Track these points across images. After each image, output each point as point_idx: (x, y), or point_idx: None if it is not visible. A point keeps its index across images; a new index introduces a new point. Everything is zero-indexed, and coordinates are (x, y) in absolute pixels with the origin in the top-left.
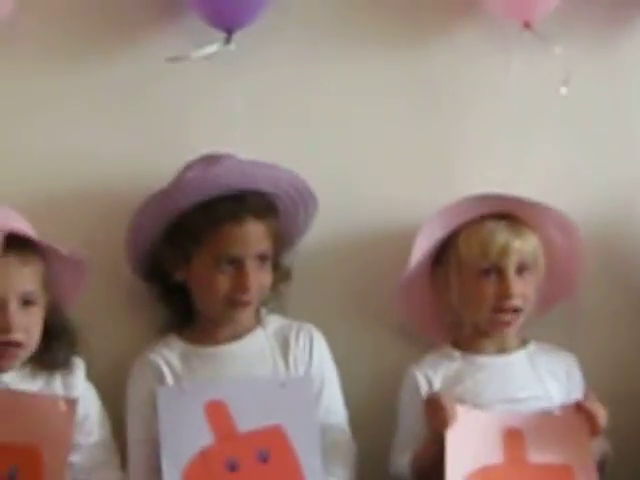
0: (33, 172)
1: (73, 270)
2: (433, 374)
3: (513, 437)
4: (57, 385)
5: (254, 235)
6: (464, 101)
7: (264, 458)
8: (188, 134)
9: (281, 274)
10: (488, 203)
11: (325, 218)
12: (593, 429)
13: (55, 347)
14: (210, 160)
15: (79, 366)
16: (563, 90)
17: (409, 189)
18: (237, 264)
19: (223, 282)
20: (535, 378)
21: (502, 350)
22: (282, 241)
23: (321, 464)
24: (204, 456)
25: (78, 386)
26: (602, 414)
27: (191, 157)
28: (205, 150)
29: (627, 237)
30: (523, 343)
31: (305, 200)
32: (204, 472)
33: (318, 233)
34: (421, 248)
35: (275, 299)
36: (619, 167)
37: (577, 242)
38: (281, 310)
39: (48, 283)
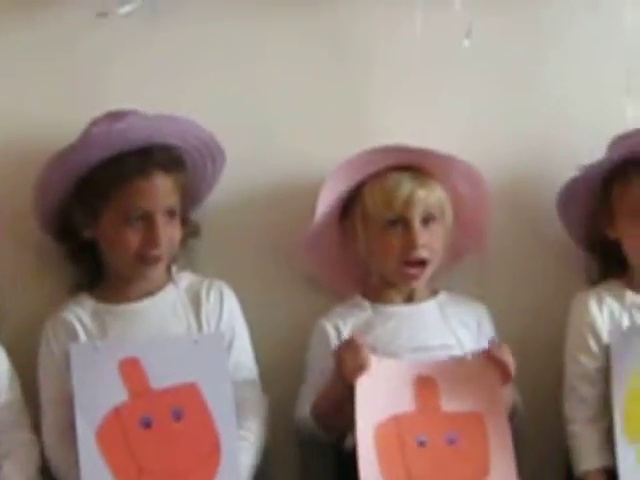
0: None
1: None
2: (342, 324)
3: (425, 385)
4: None
5: (162, 189)
6: (372, 53)
7: (178, 416)
8: (106, 90)
9: (190, 230)
10: (392, 155)
11: (235, 171)
12: (503, 376)
13: None
14: (115, 116)
15: None
16: (466, 42)
17: (319, 141)
18: (146, 219)
19: (133, 238)
20: (446, 327)
21: (411, 300)
22: (190, 196)
23: (235, 420)
24: (118, 413)
25: None
26: (511, 361)
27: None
28: (125, 105)
29: (535, 188)
30: (433, 293)
31: (212, 153)
32: (118, 429)
33: (228, 187)
34: (325, 201)
35: (185, 255)
36: (525, 119)
37: (484, 193)
38: (191, 266)
39: None
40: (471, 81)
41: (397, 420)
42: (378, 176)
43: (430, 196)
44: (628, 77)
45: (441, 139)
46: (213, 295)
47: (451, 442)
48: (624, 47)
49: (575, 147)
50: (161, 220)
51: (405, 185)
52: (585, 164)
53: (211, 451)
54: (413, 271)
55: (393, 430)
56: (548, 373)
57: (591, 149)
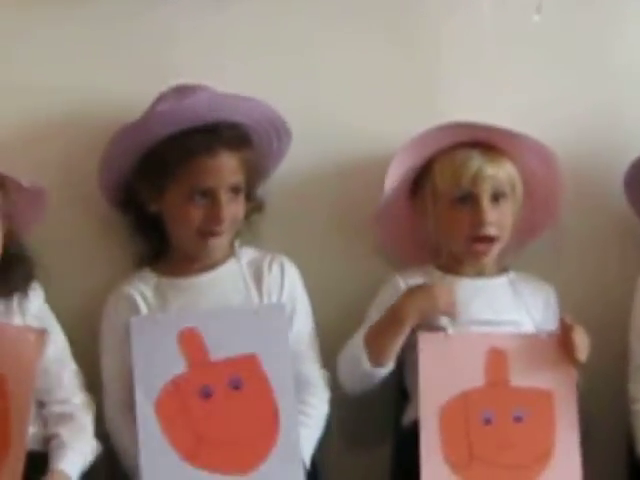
0: (10, 104)
1: (33, 201)
2: (415, 283)
3: (496, 358)
4: (14, 308)
5: (227, 167)
6: (438, 29)
7: (236, 385)
8: (170, 65)
9: (255, 205)
10: (461, 131)
11: (298, 149)
12: (574, 357)
13: (12, 274)
14: (183, 91)
15: (35, 291)
16: (536, 17)
17: (385, 118)
18: (210, 196)
19: (196, 214)
20: (517, 303)
21: (481, 274)
22: (256, 173)
23: (293, 391)
24: (177, 384)
25: (31, 309)
26: (585, 346)
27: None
28: (185, 80)
29: (602, 165)
30: (503, 270)
31: (278, 131)
32: (177, 400)
33: (291, 164)
34: (394, 176)
35: (248, 230)
36: (595, 93)
37: (556, 170)
38: (256, 242)
39: (6, 213)
40: (540, 57)
41: (465, 396)
42: (447, 153)
43: (499, 172)
44: None
45: (511, 116)
46: (275, 269)
47: (517, 419)
48: None
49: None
50: (225, 197)
51: (474, 161)
52: None
53: (270, 422)
54: (481, 247)
55: (460, 407)
56: (613, 352)
57: None
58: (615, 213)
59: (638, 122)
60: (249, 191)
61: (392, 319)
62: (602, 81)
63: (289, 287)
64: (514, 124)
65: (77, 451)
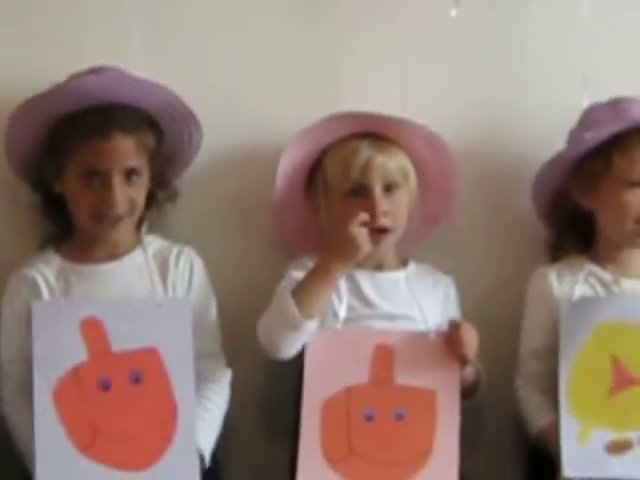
0: None
1: None
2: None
3: (383, 354)
4: None
5: (121, 149)
6: (346, 16)
7: (137, 379)
8: (79, 45)
9: (169, 192)
10: (351, 122)
11: (207, 136)
12: (462, 356)
13: None
14: (96, 71)
15: None
16: (453, 12)
17: (291, 107)
18: (103, 178)
19: (89, 196)
20: (412, 298)
21: (379, 268)
22: (163, 159)
23: (193, 387)
24: (76, 373)
25: None
26: (472, 341)
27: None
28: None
29: (502, 160)
30: (403, 264)
31: (185, 118)
32: (75, 389)
33: (204, 152)
34: (284, 169)
35: (159, 219)
36: (500, 91)
37: (449, 159)
38: (163, 230)
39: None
40: (451, 48)
41: (348, 392)
42: (338, 144)
43: (390, 162)
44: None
45: (415, 108)
46: (182, 263)
47: (399, 418)
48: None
49: (542, 123)
50: (118, 180)
51: (363, 151)
52: (573, 139)
53: (168, 417)
54: (375, 237)
55: (342, 403)
56: (509, 346)
57: (553, 126)
58: (514, 208)
59: (537, 122)
60: (160, 179)
61: (319, 270)
62: (509, 78)
63: (197, 284)
64: (415, 116)
65: None
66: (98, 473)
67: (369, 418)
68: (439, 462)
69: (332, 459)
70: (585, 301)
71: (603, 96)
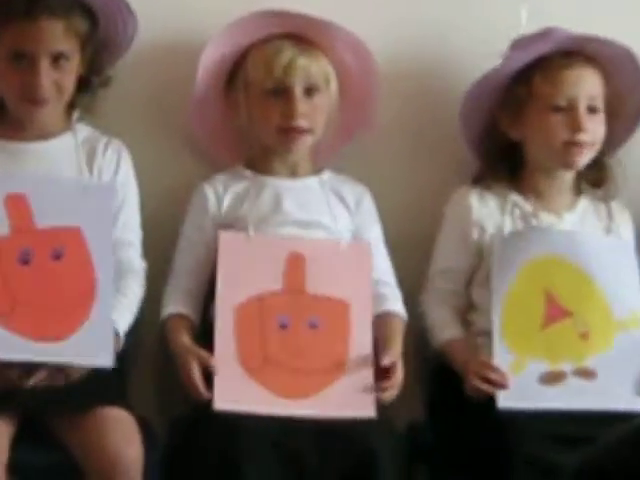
0: None
1: None
2: (223, 191)
3: (295, 263)
4: None
5: (48, 32)
6: None
7: (58, 255)
8: None
9: (101, 79)
10: (278, 21)
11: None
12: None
13: None
14: None
15: None
16: None
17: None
18: (29, 61)
19: (15, 78)
20: (325, 205)
21: (294, 174)
22: (102, 46)
23: (112, 267)
24: None
25: None
26: (398, 378)
27: None
28: None
29: (431, 77)
30: (318, 171)
31: (119, 6)
32: None
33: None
34: (205, 67)
35: (91, 104)
36: (429, 4)
37: (371, 67)
38: (91, 114)
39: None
40: None
41: (261, 300)
42: (261, 44)
43: (312, 65)
44: None
45: (342, 18)
46: (110, 152)
47: (312, 326)
48: None
49: (472, 42)
50: (45, 64)
51: (286, 52)
52: (499, 63)
53: (87, 293)
54: (292, 135)
55: (255, 310)
56: (421, 263)
57: (487, 40)
58: (437, 126)
59: (467, 39)
60: (95, 65)
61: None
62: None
63: (123, 174)
64: (346, 25)
65: None
66: (13, 342)
67: (283, 326)
68: (354, 373)
69: (248, 367)
70: (516, 235)
71: (543, 16)
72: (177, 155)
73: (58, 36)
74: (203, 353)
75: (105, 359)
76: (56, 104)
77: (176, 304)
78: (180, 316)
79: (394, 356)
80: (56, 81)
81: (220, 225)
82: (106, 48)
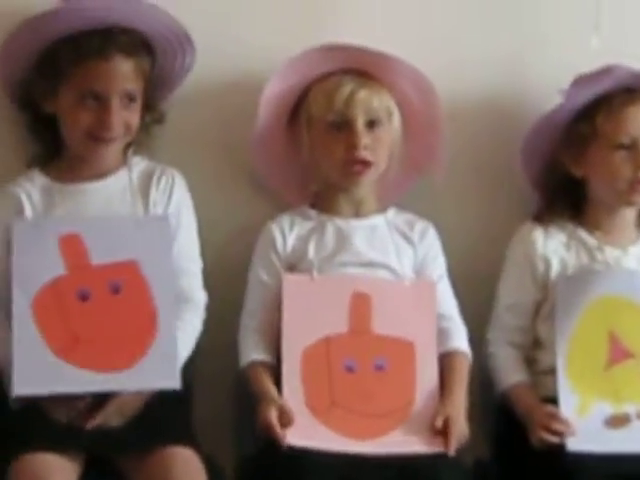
0: None
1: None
2: (289, 231)
3: (360, 302)
4: None
5: (121, 72)
6: None
7: (116, 289)
8: None
9: (156, 115)
10: (339, 55)
11: (197, 59)
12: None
13: None
14: None
15: None
16: None
17: (284, 37)
18: (101, 100)
19: (86, 117)
20: (390, 244)
21: (359, 213)
22: (156, 83)
23: (173, 301)
24: (55, 285)
25: None
26: (455, 433)
27: None
28: None
29: (496, 114)
30: (382, 209)
31: (181, 41)
32: (54, 300)
33: (191, 78)
34: (266, 101)
35: (146, 141)
36: (496, 40)
37: (434, 100)
38: (149, 152)
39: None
40: None
41: (327, 342)
42: (323, 78)
43: (373, 97)
44: (597, 13)
45: (407, 49)
46: (164, 182)
47: (379, 368)
48: None
49: (538, 78)
50: (116, 103)
51: (347, 85)
52: (561, 101)
53: (148, 322)
54: (356, 167)
55: (322, 353)
56: (486, 299)
57: (554, 78)
58: (503, 163)
59: (537, 76)
60: (149, 100)
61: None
62: (507, 27)
63: (177, 200)
64: (409, 59)
65: None
66: (77, 375)
67: (350, 369)
68: (421, 412)
69: (315, 410)
70: (580, 275)
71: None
72: (241, 193)
73: (129, 75)
74: (284, 402)
75: (172, 381)
76: (121, 143)
77: (254, 350)
78: (260, 363)
79: (450, 410)
80: (125, 120)
81: (287, 264)
82: (161, 84)
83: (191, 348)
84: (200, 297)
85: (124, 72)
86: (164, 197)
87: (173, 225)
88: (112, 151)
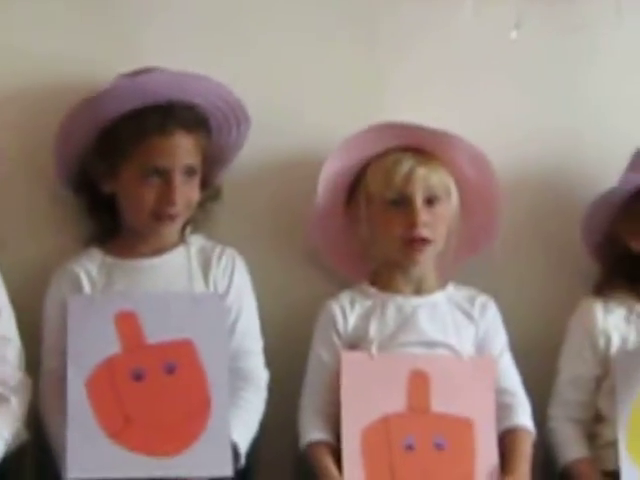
0: None
1: None
2: (350, 309)
3: (418, 381)
4: None
5: (182, 148)
6: (402, 30)
7: (170, 370)
8: (140, 47)
9: (211, 192)
10: (397, 133)
11: (255, 139)
12: None
13: None
14: (142, 71)
15: None
16: (513, 34)
17: (341, 115)
18: (164, 177)
19: (149, 195)
20: (451, 322)
21: (419, 290)
22: (213, 157)
23: (227, 381)
24: (110, 364)
25: None
26: None
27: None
28: (157, 64)
29: (555, 189)
30: (442, 285)
31: (237, 116)
32: (108, 379)
33: (248, 153)
34: (325, 180)
35: (203, 218)
36: (555, 118)
37: (492, 179)
38: (206, 230)
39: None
40: (507, 72)
41: (387, 421)
42: (381, 156)
43: (432, 175)
44: None
45: (464, 129)
46: (225, 262)
47: (438, 447)
48: None
49: (599, 154)
50: (179, 179)
51: (405, 162)
52: (623, 178)
53: (201, 407)
54: (415, 245)
55: (381, 433)
56: (547, 373)
57: (615, 157)
58: (561, 237)
59: (595, 150)
60: (206, 177)
61: None
62: (566, 105)
63: (238, 282)
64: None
65: None
66: (129, 460)
67: (410, 448)
68: None
69: None
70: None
71: None
72: (301, 271)
73: (190, 151)
74: None
75: (224, 469)
76: (182, 219)
77: (316, 430)
78: (320, 442)
79: None
80: (187, 196)
81: (348, 343)
82: (217, 159)
83: (255, 429)
84: (262, 376)
85: (185, 147)
86: (225, 277)
87: (235, 307)
88: (173, 228)
